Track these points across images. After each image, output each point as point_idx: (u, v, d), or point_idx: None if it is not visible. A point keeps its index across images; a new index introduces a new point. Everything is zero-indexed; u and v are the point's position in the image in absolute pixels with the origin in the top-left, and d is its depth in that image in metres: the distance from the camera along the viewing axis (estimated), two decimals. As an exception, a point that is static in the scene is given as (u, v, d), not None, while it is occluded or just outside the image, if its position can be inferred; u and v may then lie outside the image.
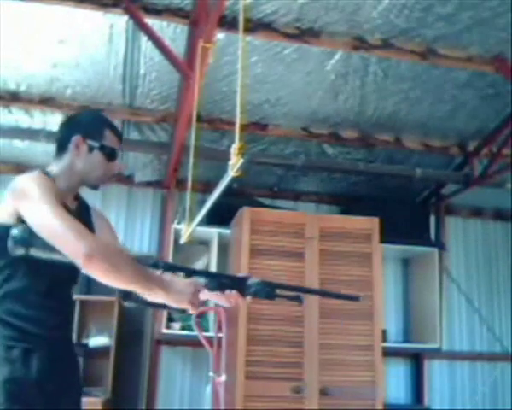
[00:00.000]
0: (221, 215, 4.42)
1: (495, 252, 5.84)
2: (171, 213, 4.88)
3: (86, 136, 1.93)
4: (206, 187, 4.54)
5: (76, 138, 1.92)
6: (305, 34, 3.55)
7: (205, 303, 3.85)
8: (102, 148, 1.95)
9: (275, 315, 4.05)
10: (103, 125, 1.99)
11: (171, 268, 1.82)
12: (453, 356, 5.47)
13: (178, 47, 3.54)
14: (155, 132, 4.63)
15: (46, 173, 1.87)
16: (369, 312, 4.23)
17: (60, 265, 1.72)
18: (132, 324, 4.87)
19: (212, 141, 4.60)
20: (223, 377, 3.83)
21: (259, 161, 4.58)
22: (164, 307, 1.77)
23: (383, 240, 4.42)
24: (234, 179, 2.37)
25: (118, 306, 4.51)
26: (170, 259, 4.61)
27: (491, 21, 3.45)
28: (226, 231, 4.69)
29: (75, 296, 4.63)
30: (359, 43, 3.62)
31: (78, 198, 2.03)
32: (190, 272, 1.81)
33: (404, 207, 5.31)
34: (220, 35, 3.48)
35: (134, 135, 4.64)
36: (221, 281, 1.85)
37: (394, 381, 5.30)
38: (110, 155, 1.97)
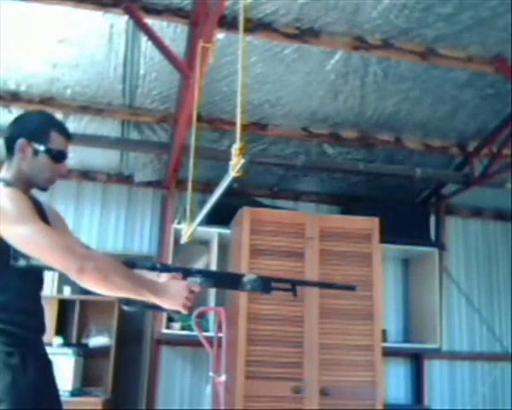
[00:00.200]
0: (221, 215, 4.42)
1: (495, 252, 5.84)
2: (171, 213, 4.88)
3: (31, 139, 1.92)
4: (206, 187, 4.54)
5: (21, 142, 1.91)
6: (305, 34, 3.55)
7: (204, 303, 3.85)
8: (48, 151, 1.93)
9: (275, 315, 4.05)
10: (49, 127, 1.97)
11: (168, 269, 1.82)
12: (453, 356, 5.47)
13: (178, 47, 3.54)
14: (155, 132, 4.63)
15: (5, 183, 1.85)
16: (369, 312, 4.23)
17: (37, 270, 1.74)
18: (132, 324, 4.87)
19: (213, 141, 4.60)
20: (223, 377, 3.83)
21: (259, 161, 4.58)
22: (160, 309, 1.77)
23: (383, 240, 4.42)
24: (234, 179, 2.37)
25: (118, 306, 4.51)
26: (170, 259, 4.61)
27: (491, 21, 3.45)
28: (226, 231, 4.69)
29: (75, 296, 4.63)
30: (359, 43, 3.62)
31: (31, 197, 2.00)
32: (187, 273, 1.81)
33: (404, 207, 5.31)
34: (220, 35, 3.49)
35: (134, 135, 4.64)
36: (217, 279, 1.86)
37: (394, 381, 5.31)
38: (56, 157, 1.96)
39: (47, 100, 4.22)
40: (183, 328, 4.55)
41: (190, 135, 3.35)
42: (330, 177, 5.23)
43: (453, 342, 5.50)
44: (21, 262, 1.68)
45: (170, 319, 4.54)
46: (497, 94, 4.19)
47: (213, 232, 4.70)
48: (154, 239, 5.16)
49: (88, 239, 4.95)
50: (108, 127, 4.53)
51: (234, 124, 2.44)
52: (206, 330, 4.34)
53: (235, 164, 2.24)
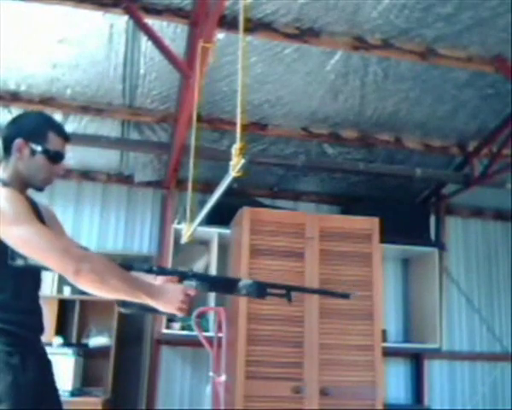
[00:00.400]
0: (221, 215, 4.42)
1: (495, 252, 5.84)
2: (171, 213, 4.88)
3: (28, 139, 1.93)
4: (206, 187, 4.54)
5: (18, 142, 1.92)
6: (305, 34, 3.55)
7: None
8: (45, 151, 1.94)
9: (275, 315, 4.05)
10: (46, 128, 1.97)
11: (165, 272, 1.83)
12: (453, 356, 5.47)
13: (178, 47, 3.54)
14: (155, 132, 4.63)
15: (3, 183, 1.86)
16: (369, 312, 4.23)
17: (34, 269, 1.75)
18: (132, 324, 4.87)
19: (213, 141, 4.60)
20: (223, 377, 3.83)
21: (259, 161, 4.58)
22: (156, 311, 1.78)
23: (383, 240, 4.42)
24: (234, 179, 2.37)
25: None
26: (170, 259, 4.61)
27: (491, 21, 3.45)
28: (226, 231, 4.69)
29: (75, 296, 4.63)
30: (359, 43, 3.62)
31: (27, 197, 2.01)
32: (183, 276, 1.82)
33: (404, 207, 5.31)
34: (220, 35, 3.48)
35: (134, 135, 4.64)
36: (213, 283, 1.87)
37: (394, 381, 5.31)
38: (53, 157, 1.97)
39: (47, 100, 4.22)
40: (183, 328, 4.55)
41: (190, 135, 3.35)
42: (330, 177, 5.23)
43: (453, 342, 5.50)
44: (19, 262, 1.68)
45: (170, 320, 4.54)
46: (497, 94, 4.19)
47: (213, 232, 4.70)
48: (154, 239, 5.16)
49: (88, 239, 4.98)
50: (108, 127, 4.53)
51: (234, 124, 2.44)
52: (206, 330, 4.34)
53: (236, 164, 2.24)
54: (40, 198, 2.09)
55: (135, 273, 1.77)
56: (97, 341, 4.63)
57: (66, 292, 4.56)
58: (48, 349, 1.98)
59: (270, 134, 4.65)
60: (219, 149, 4.56)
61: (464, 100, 4.30)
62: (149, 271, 1.80)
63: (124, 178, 5.21)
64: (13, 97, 4.16)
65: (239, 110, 2.36)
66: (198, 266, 4.97)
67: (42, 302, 2.00)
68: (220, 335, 3.98)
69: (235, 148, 2.25)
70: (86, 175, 5.15)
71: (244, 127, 2.33)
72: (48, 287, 4.49)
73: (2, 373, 1.72)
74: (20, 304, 1.84)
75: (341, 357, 4.12)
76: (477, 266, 5.76)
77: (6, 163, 1.94)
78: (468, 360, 5.52)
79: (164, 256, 4.69)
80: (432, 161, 5.01)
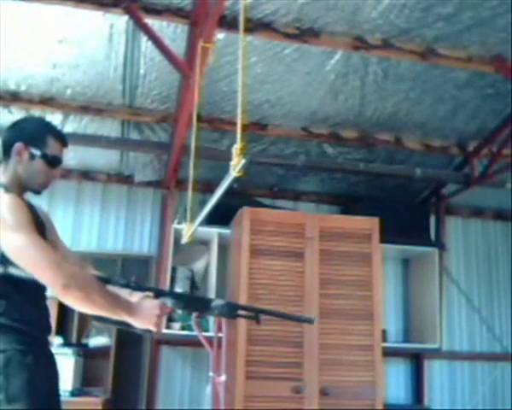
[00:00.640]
0: (221, 215, 4.42)
1: (495, 252, 5.84)
2: (171, 213, 4.88)
3: (28, 143, 1.96)
4: (206, 187, 4.54)
5: (18, 146, 1.95)
6: (305, 34, 3.55)
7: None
8: (44, 156, 1.97)
9: (275, 315, 4.05)
10: (46, 133, 2.01)
11: (141, 288, 1.87)
12: (453, 356, 5.47)
13: (178, 47, 3.54)
14: (155, 132, 4.63)
15: (5, 188, 1.88)
16: (369, 312, 4.22)
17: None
18: (132, 324, 4.86)
19: (213, 141, 4.60)
20: (223, 377, 3.84)
21: (259, 161, 4.58)
22: (131, 327, 1.84)
23: (383, 240, 4.42)
24: (234, 179, 2.37)
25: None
26: (170, 259, 4.61)
27: (491, 21, 3.45)
28: (226, 231, 4.69)
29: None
30: (359, 43, 3.62)
31: (25, 200, 2.03)
32: (158, 293, 1.86)
33: (404, 207, 5.30)
34: (220, 35, 3.48)
35: (134, 135, 4.64)
36: (187, 301, 1.92)
37: (394, 381, 5.31)
38: (52, 162, 2.00)
39: (47, 100, 4.21)
40: (183, 328, 4.55)
41: (190, 135, 3.35)
42: (330, 177, 5.23)
43: (453, 342, 5.50)
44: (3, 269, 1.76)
45: (170, 319, 4.54)
46: (497, 94, 4.19)
47: (213, 232, 4.69)
48: (154, 239, 5.15)
49: (88, 239, 4.99)
50: (108, 127, 4.53)
51: (234, 124, 2.44)
52: (206, 330, 4.34)
53: (236, 164, 2.25)
54: (40, 199, 2.10)
55: (111, 288, 1.84)
56: (97, 341, 4.64)
57: (66, 292, 4.56)
58: (49, 349, 2.00)
59: (270, 134, 4.65)
60: (219, 149, 4.56)
61: (464, 100, 4.30)
62: (126, 286, 1.86)
63: (124, 178, 5.21)
64: (13, 97, 4.16)
65: (239, 110, 2.36)
66: (198, 266, 4.98)
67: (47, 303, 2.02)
68: (220, 335, 3.98)
69: (236, 148, 2.25)
70: (86, 175, 5.14)
71: (244, 127, 2.33)
72: (48, 287, 4.49)
73: (18, 372, 1.75)
74: (32, 305, 1.86)
75: (341, 357, 4.12)
76: (477, 266, 5.76)
77: (5, 166, 1.97)
78: (468, 360, 5.52)
79: (164, 256, 4.69)
80: (432, 161, 5.01)
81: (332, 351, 4.11)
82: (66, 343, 4.51)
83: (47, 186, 2.04)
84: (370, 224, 4.38)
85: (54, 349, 2.01)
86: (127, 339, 4.83)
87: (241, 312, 1.94)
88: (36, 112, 4.28)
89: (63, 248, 2.15)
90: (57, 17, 3.43)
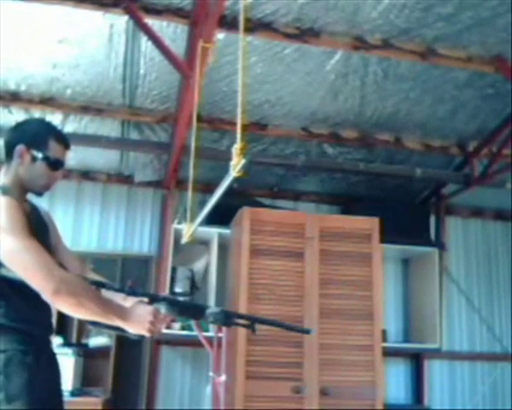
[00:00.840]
0: (221, 215, 4.42)
1: (495, 252, 5.84)
2: (171, 213, 4.88)
3: (30, 145, 1.96)
4: (206, 187, 4.54)
5: (20, 148, 1.95)
6: (305, 34, 3.55)
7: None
8: (46, 158, 1.97)
9: (275, 315, 4.04)
10: (48, 135, 2.01)
11: (135, 294, 1.86)
12: (453, 356, 5.47)
13: (178, 47, 3.53)
14: (155, 132, 4.63)
15: (3, 190, 1.88)
16: (369, 312, 4.23)
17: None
18: (132, 324, 4.86)
19: (213, 141, 4.60)
20: (223, 377, 3.83)
21: (259, 161, 4.58)
22: (124, 332, 1.83)
23: (383, 240, 4.42)
24: (234, 179, 2.37)
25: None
26: (170, 259, 4.61)
27: (491, 21, 3.45)
28: (226, 231, 4.69)
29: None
30: (359, 43, 3.62)
31: (27, 201, 2.04)
32: (153, 298, 1.86)
33: (404, 207, 5.30)
34: (220, 35, 3.48)
35: (134, 135, 4.64)
36: (182, 308, 1.90)
37: (394, 381, 5.31)
38: (53, 164, 2.00)
39: (47, 100, 4.21)
40: (183, 328, 4.55)
41: (190, 135, 3.35)
42: (330, 177, 5.23)
43: (453, 342, 5.50)
44: None
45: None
46: (497, 94, 4.19)
47: (213, 232, 4.69)
48: (154, 239, 5.15)
49: (88, 239, 4.99)
50: (108, 127, 4.53)
51: (234, 124, 2.44)
52: (206, 330, 4.33)
53: (236, 164, 2.25)
54: (40, 200, 2.09)
55: (105, 292, 1.84)
56: (97, 341, 4.64)
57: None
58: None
59: (270, 134, 4.65)
60: (219, 149, 4.56)
61: (464, 100, 4.30)
62: (120, 290, 1.85)
63: (124, 178, 5.21)
64: (13, 97, 4.16)
65: (239, 110, 2.36)
66: (198, 266, 4.98)
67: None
68: (220, 335, 3.98)
69: (236, 148, 2.25)
70: (86, 175, 5.14)
71: (244, 127, 2.33)
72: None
73: (18, 372, 1.75)
74: (33, 305, 1.85)
75: (341, 357, 4.12)
76: (477, 266, 5.76)
77: (7, 168, 1.98)
78: (468, 360, 5.52)
79: (164, 256, 4.69)
80: (432, 161, 5.01)
81: (332, 351, 4.11)
82: (66, 343, 4.51)
83: (49, 188, 2.03)
84: (370, 224, 4.38)
85: (54, 349, 2.02)
86: (127, 339, 4.80)
87: (236, 320, 1.92)
88: (36, 112, 4.29)
89: (64, 251, 2.15)
90: (57, 17, 3.43)
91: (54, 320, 2.03)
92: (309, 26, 3.54)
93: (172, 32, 3.54)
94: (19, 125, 2.07)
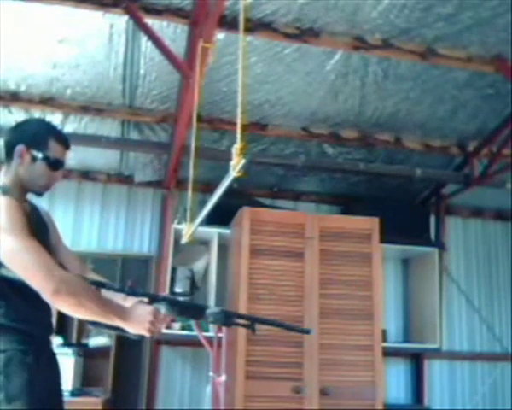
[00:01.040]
0: (221, 215, 4.42)
1: (495, 252, 5.84)
2: (171, 213, 4.88)
3: (30, 145, 1.96)
4: (206, 187, 4.54)
5: (20, 148, 1.95)
6: (305, 34, 3.55)
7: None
8: (46, 158, 1.97)
9: (275, 315, 4.04)
10: (48, 135, 2.00)
11: (135, 294, 1.86)
12: (453, 356, 5.47)
13: (178, 47, 3.54)
14: (155, 132, 4.63)
15: (2, 190, 1.88)
16: (369, 312, 4.23)
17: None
18: (132, 324, 4.86)
19: (213, 141, 4.60)
20: (223, 377, 3.83)
21: (259, 161, 4.58)
22: (124, 332, 1.83)
23: (383, 240, 4.42)
24: (234, 179, 2.37)
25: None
26: (170, 259, 4.61)
27: (491, 21, 3.45)
28: (226, 231, 4.69)
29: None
30: (359, 43, 3.62)
31: (27, 201, 2.04)
32: (153, 298, 1.86)
33: (404, 207, 5.31)
34: (220, 35, 3.48)
35: (134, 135, 4.64)
36: (182, 308, 1.90)
37: (394, 381, 5.31)
38: (53, 165, 1.99)
39: (47, 100, 4.21)
40: (183, 328, 4.55)
41: (190, 135, 3.35)
42: (330, 177, 5.23)
43: (453, 342, 5.50)
44: None
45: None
46: (497, 94, 4.19)
47: (213, 232, 4.69)
48: (154, 239, 5.15)
49: (88, 239, 4.99)
50: (108, 127, 4.53)
51: (234, 124, 2.44)
52: (206, 330, 4.33)
53: (236, 164, 2.25)
54: (40, 199, 2.09)
55: (105, 292, 1.84)
56: (97, 341, 4.64)
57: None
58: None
59: (270, 134, 4.65)
60: (219, 149, 4.57)
61: (464, 100, 4.30)
62: (120, 290, 1.85)
63: (124, 178, 5.21)
64: (13, 97, 4.16)
65: (239, 110, 2.36)
66: (198, 266, 4.98)
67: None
68: (220, 335, 3.98)
69: (236, 148, 2.25)
70: (86, 175, 5.14)
71: (244, 127, 2.33)
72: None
73: (18, 372, 1.75)
74: (33, 304, 1.85)
75: (341, 357, 4.12)
76: (477, 266, 5.76)
77: (7, 168, 1.98)
78: (468, 360, 5.52)
79: (164, 256, 4.69)
80: (432, 161, 5.01)
81: (332, 351, 4.11)
82: (66, 343, 4.51)
83: (49, 188, 2.03)
84: (370, 224, 4.38)
85: (54, 349, 2.02)
86: (127, 339, 4.80)
87: (236, 320, 1.92)
88: (36, 112, 4.29)
89: (65, 251, 2.15)
90: (57, 17, 3.43)
91: (54, 320, 2.03)
92: (309, 26, 3.54)
93: (172, 32, 3.54)
94: (19, 125, 2.07)
